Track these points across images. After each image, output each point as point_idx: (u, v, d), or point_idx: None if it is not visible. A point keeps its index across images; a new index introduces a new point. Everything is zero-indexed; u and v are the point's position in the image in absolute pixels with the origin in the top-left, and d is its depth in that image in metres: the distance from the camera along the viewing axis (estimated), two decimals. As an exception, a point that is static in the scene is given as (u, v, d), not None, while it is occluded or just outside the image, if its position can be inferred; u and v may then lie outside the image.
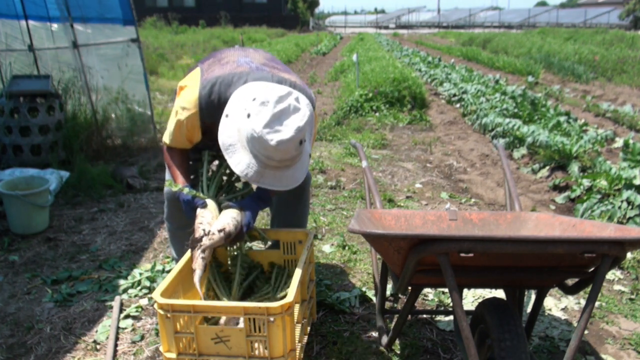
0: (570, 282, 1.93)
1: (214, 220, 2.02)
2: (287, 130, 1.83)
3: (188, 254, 2.17)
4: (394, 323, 2.14)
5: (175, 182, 2.23)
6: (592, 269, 1.72)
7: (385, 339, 2.25)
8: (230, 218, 2.01)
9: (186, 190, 2.13)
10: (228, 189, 2.26)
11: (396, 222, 2.14)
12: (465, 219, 2.19)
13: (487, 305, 1.82)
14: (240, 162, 1.90)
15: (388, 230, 1.93)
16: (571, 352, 1.58)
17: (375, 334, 2.41)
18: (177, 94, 2.26)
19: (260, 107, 1.85)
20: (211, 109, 2.08)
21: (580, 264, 1.69)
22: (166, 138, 2.29)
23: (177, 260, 2.71)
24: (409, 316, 2.48)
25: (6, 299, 2.75)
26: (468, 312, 2.11)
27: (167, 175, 2.55)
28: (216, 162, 2.33)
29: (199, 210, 2.06)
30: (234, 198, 2.19)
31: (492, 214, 2.21)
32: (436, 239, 1.55)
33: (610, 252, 1.53)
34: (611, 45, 16.66)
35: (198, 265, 1.94)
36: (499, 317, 1.73)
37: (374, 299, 2.66)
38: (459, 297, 1.63)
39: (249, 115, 1.86)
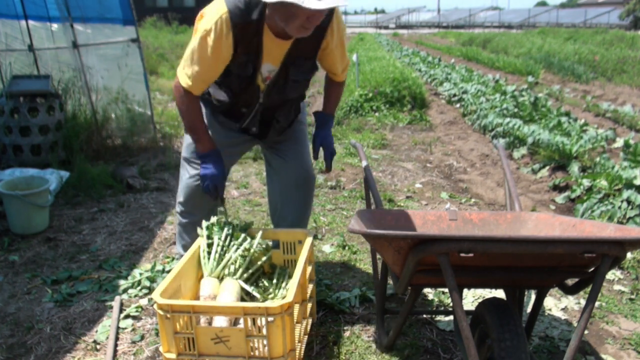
0: (570, 282, 1.93)
1: (215, 291, 2.07)
2: None
3: (188, 253, 2.18)
4: (394, 323, 2.14)
5: (202, 143, 2.25)
6: (592, 269, 1.72)
7: (385, 339, 2.25)
8: (229, 296, 2.04)
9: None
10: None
11: (396, 222, 2.14)
12: (465, 219, 2.19)
13: (487, 305, 1.82)
14: None
15: (388, 230, 1.93)
16: (571, 352, 1.58)
17: (375, 334, 2.41)
18: (194, 30, 2.13)
19: None
20: (241, 5, 2.02)
21: (580, 264, 1.69)
22: (184, 78, 2.17)
23: (179, 257, 2.70)
24: (409, 316, 2.48)
25: (6, 299, 2.75)
26: (468, 312, 2.10)
27: (186, 143, 2.48)
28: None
29: (203, 280, 2.12)
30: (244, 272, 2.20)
31: (492, 214, 2.21)
32: (436, 239, 1.55)
33: (610, 252, 1.53)
34: (611, 45, 16.66)
35: None
36: (499, 317, 1.73)
37: (374, 299, 2.66)
38: (459, 297, 1.63)
39: None
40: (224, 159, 2.38)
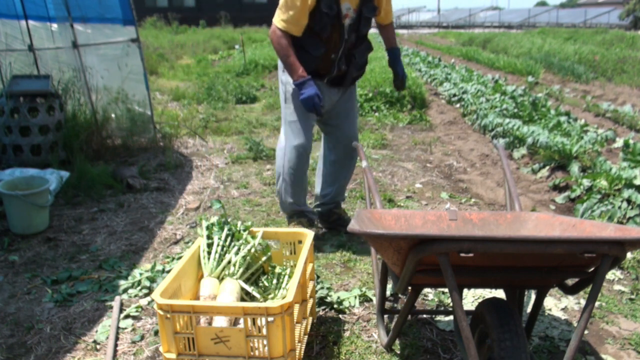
0: (570, 282, 1.93)
1: (215, 291, 2.09)
2: None
3: (188, 253, 2.18)
4: (394, 323, 2.14)
5: (296, 72, 2.84)
6: (592, 269, 1.72)
7: (385, 339, 2.25)
8: (228, 296, 2.07)
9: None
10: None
11: (396, 222, 2.14)
12: (465, 219, 2.19)
13: (487, 305, 1.82)
14: None
15: (388, 230, 1.93)
16: (571, 352, 1.58)
17: (375, 334, 2.41)
18: None
19: None
20: None
21: (580, 264, 1.69)
22: (280, 23, 2.85)
23: (289, 211, 3.33)
24: (409, 316, 2.48)
25: (6, 299, 2.76)
26: (468, 312, 2.10)
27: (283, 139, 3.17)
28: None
29: (203, 281, 2.17)
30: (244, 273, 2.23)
31: (492, 214, 2.21)
32: (436, 239, 1.55)
33: (610, 252, 1.53)
34: (611, 45, 16.65)
35: None
36: (499, 317, 1.73)
37: (374, 299, 2.66)
38: (459, 297, 1.63)
39: None
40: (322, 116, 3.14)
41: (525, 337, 1.75)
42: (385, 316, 2.43)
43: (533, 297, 2.17)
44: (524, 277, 1.81)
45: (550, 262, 1.71)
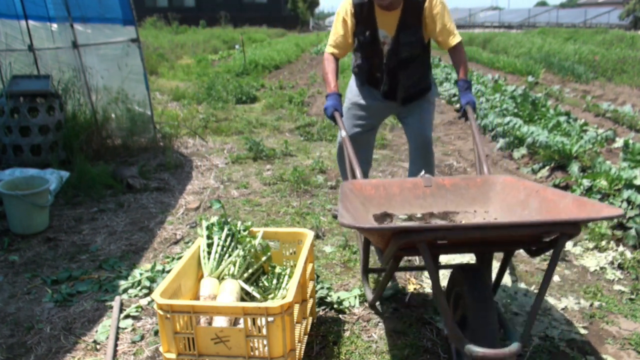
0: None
1: (215, 291, 2.10)
2: None
3: (188, 252, 2.18)
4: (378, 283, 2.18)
5: (328, 87, 2.98)
6: (551, 238, 1.89)
7: (370, 296, 2.47)
8: (228, 296, 2.07)
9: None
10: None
11: (376, 191, 2.29)
12: (439, 184, 2.35)
13: (459, 268, 2.09)
14: None
15: (373, 224, 2.12)
16: (532, 316, 1.80)
17: (375, 334, 2.41)
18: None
19: None
20: None
21: (540, 237, 1.89)
22: (328, 47, 3.11)
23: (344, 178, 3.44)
24: (407, 310, 2.49)
25: (6, 299, 2.76)
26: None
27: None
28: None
29: (203, 281, 2.16)
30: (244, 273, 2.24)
31: (463, 179, 2.37)
32: (414, 230, 1.73)
33: (567, 232, 1.73)
34: (611, 45, 16.63)
35: None
36: (471, 275, 1.99)
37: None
38: (437, 278, 1.82)
39: None
40: (371, 118, 3.33)
41: (492, 290, 2.10)
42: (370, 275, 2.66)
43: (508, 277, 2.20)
44: (493, 249, 2.06)
45: (515, 238, 1.92)
